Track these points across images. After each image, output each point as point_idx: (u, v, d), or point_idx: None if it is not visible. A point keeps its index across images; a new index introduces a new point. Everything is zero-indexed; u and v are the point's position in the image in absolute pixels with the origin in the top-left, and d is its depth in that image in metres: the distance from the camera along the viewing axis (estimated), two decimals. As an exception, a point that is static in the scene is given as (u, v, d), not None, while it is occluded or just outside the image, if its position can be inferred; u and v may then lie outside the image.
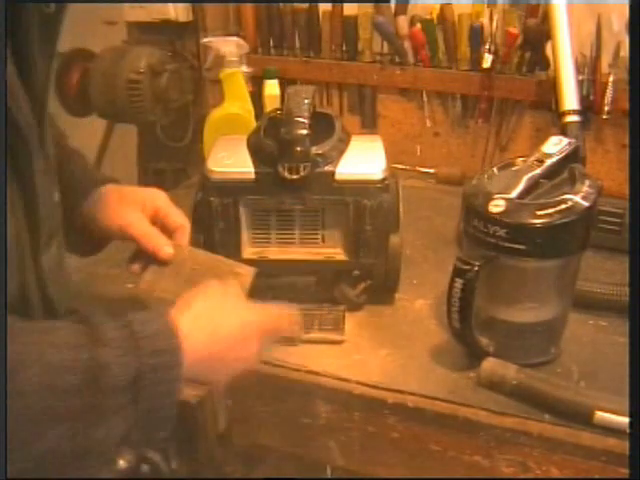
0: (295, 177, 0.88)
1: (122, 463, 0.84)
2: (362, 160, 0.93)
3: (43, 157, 0.64)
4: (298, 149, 0.87)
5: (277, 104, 1.35)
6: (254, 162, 0.91)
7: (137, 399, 0.57)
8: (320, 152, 0.90)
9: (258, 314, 0.71)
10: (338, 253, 0.94)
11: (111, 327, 0.59)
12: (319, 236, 0.94)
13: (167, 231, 0.84)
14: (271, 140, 0.91)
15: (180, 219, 0.85)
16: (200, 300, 0.67)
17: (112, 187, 0.86)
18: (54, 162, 0.69)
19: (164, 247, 0.81)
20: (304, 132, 0.87)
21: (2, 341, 0.49)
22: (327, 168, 0.90)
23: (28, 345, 0.54)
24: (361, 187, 0.90)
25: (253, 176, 0.90)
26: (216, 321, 0.66)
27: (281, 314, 0.74)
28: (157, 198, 0.86)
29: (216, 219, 0.92)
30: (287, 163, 0.88)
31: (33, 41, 0.60)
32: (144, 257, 0.83)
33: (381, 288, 0.96)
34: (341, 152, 0.92)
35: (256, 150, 0.93)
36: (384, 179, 0.91)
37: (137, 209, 0.83)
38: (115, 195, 0.84)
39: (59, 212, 0.70)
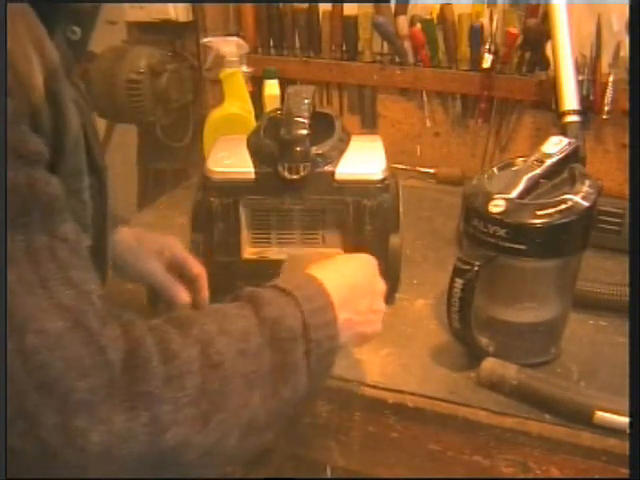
0: (295, 177, 0.88)
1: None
2: (362, 160, 0.93)
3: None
4: (298, 149, 0.87)
5: (277, 104, 1.35)
6: (254, 162, 0.91)
7: (309, 348, 0.60)
8: (320, 152, 0.90)
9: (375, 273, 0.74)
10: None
11: (262, 291, 0.62)
12: (319, 236, 0.94)
13: (184, 279, 0.87)
14: (271, 140, 0.91)
15: (197, 268, 0.88)
16: (329, 262, 0.70)
17: (130, 232, 0.88)
18: None
19: (181, 294, 0.84)
20: (304, 132, 0.87)
21: (2, 339, 0.49)
22: (327, 168, 0.90)
23: (207, 324, 0.56)
24: (361, 187, 0.90)
25: (253, 176, 0.90)
26: (347, 277, 0.69)
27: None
28: (174, 246, 0.88)
29: (216, 219, 0.92)
30: (287, 163, 0.88)
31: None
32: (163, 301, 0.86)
33: (381, 288, 0.96)
34: (341, 152, 0.92)
35: (256, 150, 0.93)
36: (384, 179, 0.91)
37: (156, 257, 0.86)
38: (134, 242, 0.86)
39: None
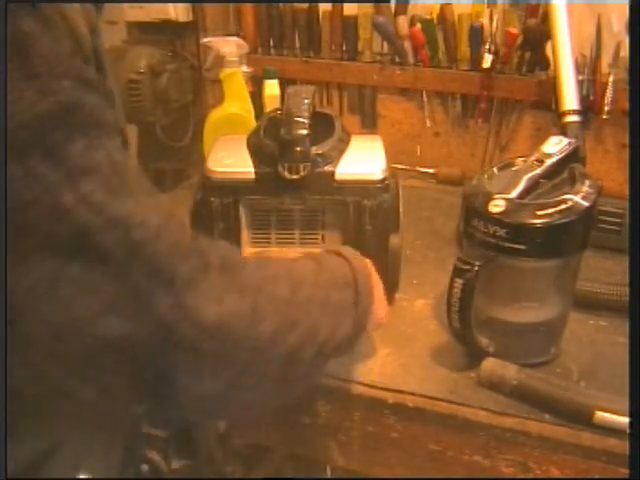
0: (295, 177, 0.88)
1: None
2: (362, 160, 0.93)
3: None
4: (298, 149, 0.87)
5: (277, 104, 1.35)
6: (254, 162, 0.91)
7: (357, 299, 0.68)
8: (320, 152, 0.90)
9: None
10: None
11: (315, 253, 0.73)
12: (319, 236, 0.94)
13: None
14: (271, 140, 0.91)
15: None
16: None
17: None
18: None
19: None
20: (304, 132, 0.87)
21: (2, 340, 0.49)
22: (327, 168, 0.90)
23: (280, 260, 0.66)
24: (361, 187, 0.90)
25: (253, 176, 0.90)
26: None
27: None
28: None
29: (216, 219, 0.92)
30: (287, 163, 0.88)
31: None
32: None
33: (381, 288, 0.96)
34: (341, 152, 0.92)
35: (256, 150, 0.93)
36: (384, 179, 0.91)
37: None
38: None
39: None
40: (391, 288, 0.97)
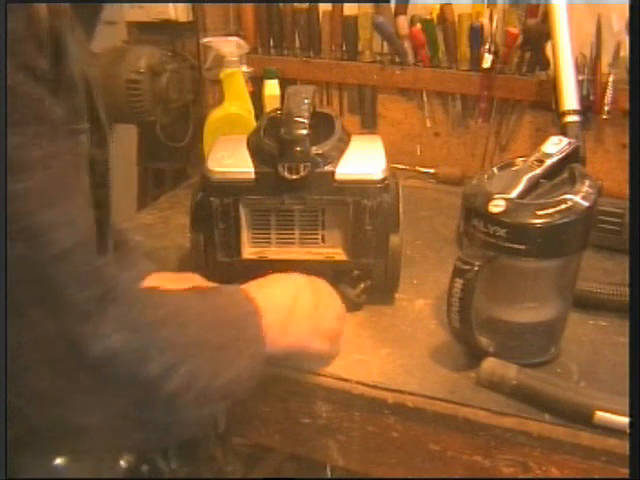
0: (295, 177, 0.88)
1: (122, 463, 0.84)
2: (362, 160, 0.93)
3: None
4: (298, 149, 0.87)
5: (277, 104, 1.35)
6: (254, 162, 0.91)
7: (249, 342, 0.67)
8: (320, 152, 0.90)
9: (330, 319, 0.81)
10: (338, 253, 0.94)
11: (216, 289, 0.73)
12: (319, 236, 0.94)
13: None
14: (271, 140, 0.91)
15: None
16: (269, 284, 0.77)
17: (149, 279, 0.88)
18: None
19: None
20: (304, 132, 0.87)
21: (2, 340, 0.49)
22: (327, 168, 0.90)
23: (174, 296, 0.64)
24: (361, 187, 0.90)
25: (253, 176, 0.90)
26: (288, 301, 0.76)
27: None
28: (194, 281, 0.88)
29: (216, 219, 0.92)
30: (287, 163, 0.88)
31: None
32: None
33: (381, 288, 0.96)
34: (341, 152, 0.92)
35: (256, 150, 0.93)
36: (384, 179, 0.91)
37: None
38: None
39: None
40: (391, 288, 0.97)
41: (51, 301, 0.50)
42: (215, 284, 0.74)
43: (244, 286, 0.73)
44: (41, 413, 0.54)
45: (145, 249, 1.15)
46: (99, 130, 0.66)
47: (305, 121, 0.87)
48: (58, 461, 0.65)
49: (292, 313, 0.75)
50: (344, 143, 0.94)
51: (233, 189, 0.91)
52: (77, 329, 0.50)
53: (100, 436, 0.58)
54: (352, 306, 0.96)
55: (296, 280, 0.80)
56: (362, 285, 0.95)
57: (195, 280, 0.88)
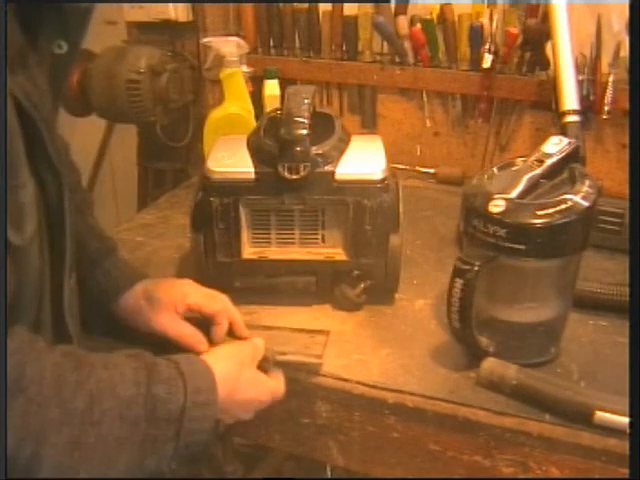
0: (295, 177, 0.88)
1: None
2: (362, 160, 0.93)
3: (69, 191, 0.67)
4: (298, 149, 0.87)
5: (277, 104, 1.35)
6: (254, 162, 0.91)
7: (179, 433, 0.63)
8: (320, 152, 0.90)
9: (265, 391, 0.78)
10: (338, 253, 0.94)
11: (163, 365, 0.66)
12: (319, 236, 0.94)
13: (206, 320, 0.85)
14: (271, 140, 0.91)
15: (214, 306, 0.85)
16: (225, 356, 0.75)
17: (142, 288, 0.87)
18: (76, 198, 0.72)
19: (198, 345, 0.83)
20: (304, 132, 0.87)
21: (2, 342, 0.49)
22: (327, 168, 0.90)
23: (101, 381, 0.59)
24: (361, 187, 0.90)
25: (253, 176, 0.90)
26: (237, 382, 0.73)
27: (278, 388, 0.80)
28: (188, 295, 0.86)
29: (216, 219, 0.92)
30: (287, 163, 0.88)
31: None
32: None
33: (381, 288, 0.96)
34: (341, 152, 0.92)
35: (256, 150, 0.93)
36: (384, 179, 0.91)
37: (170, 309, 0.85)
38: (145, 301, 0.85)
39: (75, 246, 0.71)
40: (391, 288, 0.97)
41: None
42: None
43: (207, 360, 0.71)
44: None
45: (145, 249, 1.15)
46: (52, 174, 0.64)
47: (305, 121, 0.87)
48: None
49: (236, 389, 0.73)
50: (344, 143, 0.94)
51: (233, 189, 0.91)
52: None
53: None
54: (352, 306, 0.96)
55: (245, 351, 0.79)
56: (362, 285, 0.95)
57: (187, 287, 0.87)
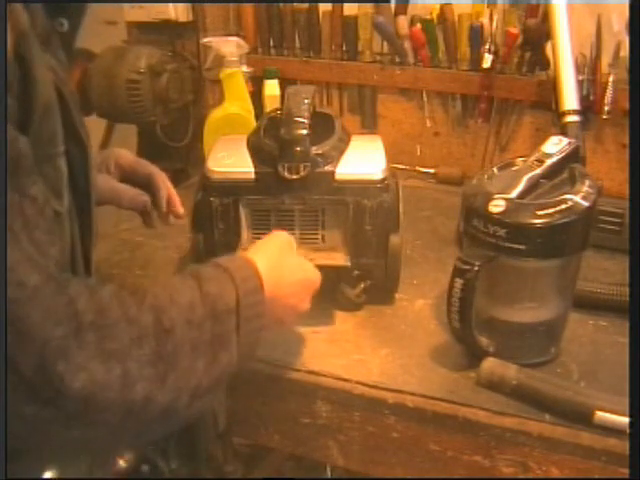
0: (295, 177, 0.88)
1: (122, 463, 0.84)
2: (362, 160, 0.93)
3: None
4: (298, 149, 0.87)
5: (277, 104, 1.35)
6: (254, 162, 0.91)
7: (239, 323, 0.65)
8: (320, 152, 0.90)
9: (313, 272, 0.79)
10: (338, 253, 0.94)
11: (206, 268, 0.68)
12: (319, 236, 0.94)
13: (141, 184, 0.89)
14: (271, 140, 0.91)
15: (147, 169, 0.89)
16: (270, 250, 0.76)
17: None
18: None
19: (138, 197, 0.86)
20: (304, 132, 0.87)
21: (2, 336, 0.49)
22: (327, 168, 0.90)
23: (157, 295, 0.61)
24: (361, 187, 0.90)
25: (253, 176, 0.90)
26: (283, 270, 0.74)
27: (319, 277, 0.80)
28: (119, 157, 0.88)
29: (216, 219, 0.92)
30: (287, 163, 0.88)
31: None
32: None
33: (381, 288, 0.96)
34: (341, 152, 0.92)
35: (256, 150, 0.93)
36: (384, 179, 0.91)
37: (102, 171, 0.87)
38: None
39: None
40: (391, 288, 0.97)
41: (33, 338, 0.51)
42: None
43: (248, 255, 0.73)
44: (35, 434, 0.55)
45: (145, 249, 1.15)
46: (79, 147, 0.67)
47: (305, 121, 0.87)
48: (47, 475, 0.66)
49: (286, 285, 0.74)
50: (344, 143, 0.94)
51: (233, 189, 0.91)
52: (56, 366, 0.51)
53: (95, 445, 0.59)
54: (352, 306, 0.96)
55: (285, 246, 0.79)
56: (362, 285, 0.95)
57: (117, 151, 0.90)
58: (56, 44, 0.66)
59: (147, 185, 0.88)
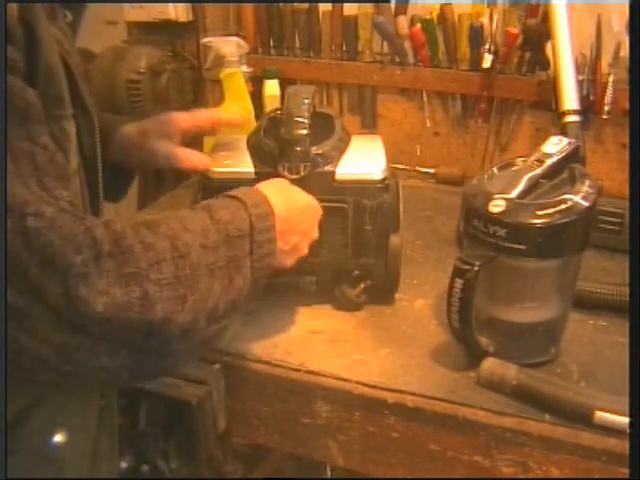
0: (295, 177, 0.88)
1: (122, 463, 0.84)
2: (362, 160, 0.93)
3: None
4: (298, 149, 0.87)
5: (277, 104, 1.35)
6: (254, 162, 0.91)
7: (252, 247, 0.68)
8: (320, 152, 0.90)
9: (313, 201, 0.84)
10: (338, 253, 0.94)
11: (216, 200, 0.72)
12: (320, 236, 0.94)
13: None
14: (271, 140, 0.91)
15: (204, 116, 0.96)
16: (274, 183, 0.80)
17: (130, 126, 0.93)
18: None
19: (192, 158, 0.91)
20: (304, 132, 0.87)
21: (2, 342, 0.49)
22: (327, 168, 0.90)
23: (170, 225, 0.63)
24: (361, 187, 0.90)
25: (253, 176, 0.90)
26: (288, 198, 0.78)
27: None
28: (178, 122, 0.93)
29: None
30: (287, 163, 0.88)
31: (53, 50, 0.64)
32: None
33: (381, 288, 0.96)
34: (341, 152, 0.92)
35: (256, 150, 0.93)
36: (384, 179, 0.91)
37: (160, 138, 0.91)
38: (136, 133, 0.92)
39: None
40: (391, 288, 0.97)
41: (50, 266, 0.52)
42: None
43: (257, 187, 0.77)
44: (67, 362, 0.57)
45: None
46: (85, 115, 0.69)
47: (305, 121, 0.87)
48: (56, 438, 0.67)
49: (294, 213, 0.78)
50: (344, 143, 0.94)
51: (234, 188, 0.91)
52: (78, 290, 0.53)
53: (121, 372, 0.61)
54: (352, 306, 0.96)
55: (286, 183, 0.84)
56: (362, 285, 0.95)
57: (175, 115, 0.94)
58: (62, 20, 0.68)
59: (213, 129, 0.95)
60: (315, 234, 0.83)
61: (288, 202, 0.77)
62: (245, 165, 0.91)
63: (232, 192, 0.73)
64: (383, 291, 0.97)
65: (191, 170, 0.94)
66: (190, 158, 0.92)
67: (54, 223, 0.53)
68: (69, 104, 0.64)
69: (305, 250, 0.81)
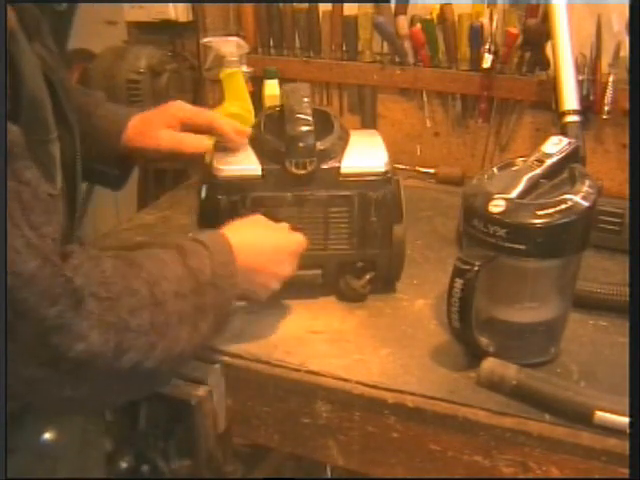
0: (302, 172, 0.89)
1: (122, 463, 0.84)
2: (365, 154, 0.94)
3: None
4: (304, 145, 0.89)
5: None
6: (259, 159, 0.92)
7: (215, 294, 0.71)
8: (323, 148, 0.91)
9: (288, 239, 0.86)
10: (344, 245, 0.95)
11: (188, 243, 0.74)
12: (325, 229, 0.95)
13: (203, 132, 0.96)
14: (275, 137, 0.92)
15: (206, 116, 0.97)
16: (243, 226, 0.83)
17: (138, 117, 0.96)
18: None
19: (195, 142, 0.94)
20: (309, 128, 0.88)
21: (2, 340, 0.50)
22: (332, 163, 0.91)
23: (151, 270, 0.66)
24: (366, 180, 0.92)
25: (260, 172, 0.91)
26: (258, 240, 0.82)
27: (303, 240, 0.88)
28: (178, 111, 0.96)
29: (224, 216, 0.91)
30: (294, 159, 0.89)
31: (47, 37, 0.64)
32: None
33: (385, 277, 0.98)
34: (342, 147, 0.94)
35: (260, 147, 0.93)
36: (387, 171, 0.93)
37: (163, 127, 0.94)
38: (140, 123, 0.95)
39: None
40: (395, 277, 0.99)
41: (29, 318, 0.56)
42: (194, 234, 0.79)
43: (222, 230, 0.80)
44: (32, 392, 0.60)
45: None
46: (67, 128, 0.71)
47: (309, 118, 0.89)
48: (46, 436, 0.70)
49: (260, 254, 0.82)
50: (344, 139, 0.95)
51: (241, 186, 0.92)
52: (55, 338, 0.56)
53: (85, 402, 0.64)
54: (357, 297, 0.96)
55: (260, 222, 0.87)
56: (367, 276, 0.96)
57: (177, 105, 0.97)
58: (46, 32, 0.69)
59: (209, 131, 0.95)
60: (287, 271, 0.85)
61: (256, 244, 0.81)
62: (251, 162, 0.92)
63: (200, 236, 0.76)
64: (387, 280, 0.99)
65: (193, 153, 0.96)
66: (192, 142, 0.95)
67: (32, 280, 0.55)
68: (54, 127, 0.66)
69: (276, 286, 0.84)
